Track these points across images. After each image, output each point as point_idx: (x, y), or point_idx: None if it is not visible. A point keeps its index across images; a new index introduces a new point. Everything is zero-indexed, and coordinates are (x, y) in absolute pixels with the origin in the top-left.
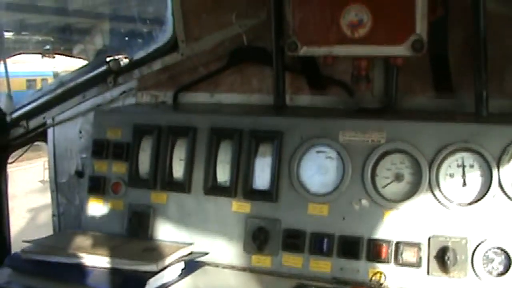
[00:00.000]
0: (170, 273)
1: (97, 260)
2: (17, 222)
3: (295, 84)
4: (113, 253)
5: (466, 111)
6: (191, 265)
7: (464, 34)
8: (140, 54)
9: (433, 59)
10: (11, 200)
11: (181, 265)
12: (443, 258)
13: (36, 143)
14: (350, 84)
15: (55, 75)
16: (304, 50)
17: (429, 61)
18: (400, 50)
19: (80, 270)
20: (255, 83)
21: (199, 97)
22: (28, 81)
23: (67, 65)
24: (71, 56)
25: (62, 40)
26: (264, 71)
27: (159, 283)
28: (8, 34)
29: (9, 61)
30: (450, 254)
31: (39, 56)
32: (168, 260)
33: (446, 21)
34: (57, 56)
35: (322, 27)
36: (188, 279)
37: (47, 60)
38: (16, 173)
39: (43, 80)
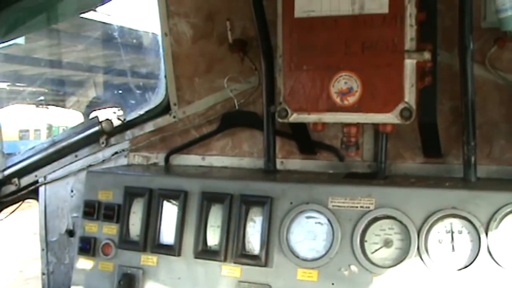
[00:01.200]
0: None
1: None
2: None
3: (285, 148)
4: None
5: (455, 177)
6: None
7: (452, 101)
8: (132, 115)
9: (422, 126)
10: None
11: None
12: None
13: (27, 200)
14: (340, 149)
15: (49, 127)
16: (294, 117)
17: (418, 128)
18: (389, 118)
19: None
20: (246, 147)
21: (191, 159)
22: (21, 131)
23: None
24: (65, 107)
25: (56, 92)
26: (255, 135)
27: None
28: (2, 85)
29: (2, 111)
30: None
31: (33, 106)
32: None
33: (435, 89)
34: (50, 108)
35: (312, 95)
36: None
37: (41, 111)
38: (8, 224)
39: (36, 131)
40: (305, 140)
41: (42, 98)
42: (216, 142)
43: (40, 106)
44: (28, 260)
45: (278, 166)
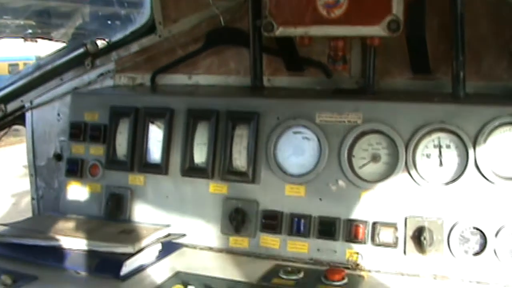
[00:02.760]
0: (147, 255)
1: (73, 243)
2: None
3: (272, 65)
4: (90, 236)
5: (444, 92)
6: (168, 247)
7: (441, 16)
8: (118, 36)
9: (410, 41)
10: None
11: (158, 247)
12: (419, 238)
13: (15, 127)
14: (327, 65)
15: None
16: (280, 31)
17: (406, 43)
18: (376, 30)
19: (57, 253)
20: (233, 65)
21: (177, 79)
22: (10, 65)
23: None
24: (53, 40)
25: (44, 24)
26: (242, 52)
27: (136, 265)
28: None
29: None
30: (426, 234)
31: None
32: (145, 242)
33: (423, 2)
34: (39, 40)
35: (298, 8)
36: (165, 261)
37: (29, 44)
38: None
39: (25, 64)
40: (292, 56)
41: (30, 31)
42: (202, 60)
43: (28, 39)
44: (21, 193)
45: (265, 83)
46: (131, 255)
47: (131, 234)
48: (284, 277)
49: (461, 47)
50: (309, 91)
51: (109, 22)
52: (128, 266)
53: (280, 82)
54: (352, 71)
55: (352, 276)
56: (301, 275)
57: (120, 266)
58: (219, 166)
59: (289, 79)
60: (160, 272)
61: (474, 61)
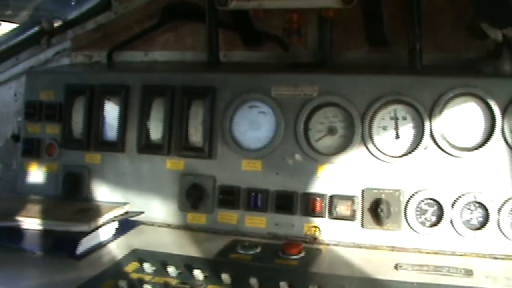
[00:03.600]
0: (104, 233)
1: (29, 223)
2: None
3: (229, 40)
4: (46, 215)
5: (401, 65)
6: (126, 224)
7: None
8: (73, 14)
9: (366, 13)
10: None
11: (115, 225)
12: (376, 210)
13: None
14: (283, 38)
15: None
16: (234, 4)
17: (362, 16)
18: (329, 2)
19: (12, 233)
20: (189, 41)
21: (134, 55)
22: None
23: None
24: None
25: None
26: (198, 28)
27: (92, 243)
28: None
29: None
30: (383, 206)
31: None
32: (101, 220)
33: None
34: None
35: None
36: (123, 239)
37: None
38: None
39: None
40: (248, 30)
41: None
42: (158, 37)
43: None
44: None
45: (222, 58)
46: (87, 233)
47: (87, 213)
48: (242, 252)
49: (417, 19)
50: (266, 65)
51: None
52: (84, 244)
53: (237, 56)
54: (308, 44)
55: (310, 250)
56: (258, 249)
57: (75, 245)
58: (175, 142)
59: (246, 53)
60: (116, 250)
61: (431, 33)
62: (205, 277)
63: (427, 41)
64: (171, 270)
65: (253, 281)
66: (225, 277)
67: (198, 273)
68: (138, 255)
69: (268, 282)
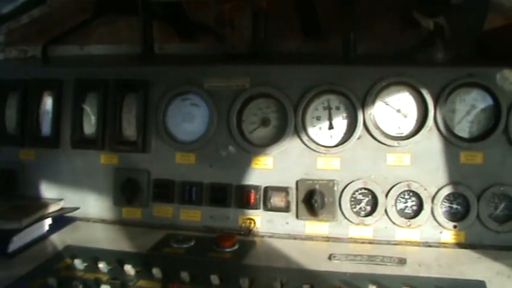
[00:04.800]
0: (37, 230)
1: None
2: None
3: (164, 32)
4: None
5: (336, 55)
6: (61, 221)
7: None
8: (7, 8)
9: (299, 3)
10: None
11: (49, 221)
12: (310, 201)
13: None
14: (217, 30)
15: None
16: None
17: (296, 7)
18: None
19: None
20: (125, 34)
21: (69, 50)
22: None
23: None
24: None
25: None
26: (134, 21)
27: (24, 241)
28: None
29: None
30: (317, 197)
31: None
32: (34, 217)
33: None
34: None
35: None
36: (57, 235)
37: None
38: None
39: None
40: (182, 22)
41: None
42: (94, 30)
43: None
44: None
45: (157, 51)
46: (19, 231)
47: (20, 210)
48: (175, 245)
49: (351, 9)
50: (200, 58)
51: None
52: (16, 242)
53: (172, 49)
54: (243, 36)
55: (244, 242)
56: (192, 243)
57: (7, 242)
58: (109, 137)
59: (181, 46)
60: (50, 246)
61: (367, 22)
62: (137, 272)
63: (363, 30)
64: (102, 266)
65: (184, 274)
66: (156, 271)
67: (129, 268)
68: (71, 252)
69: (199, 276)
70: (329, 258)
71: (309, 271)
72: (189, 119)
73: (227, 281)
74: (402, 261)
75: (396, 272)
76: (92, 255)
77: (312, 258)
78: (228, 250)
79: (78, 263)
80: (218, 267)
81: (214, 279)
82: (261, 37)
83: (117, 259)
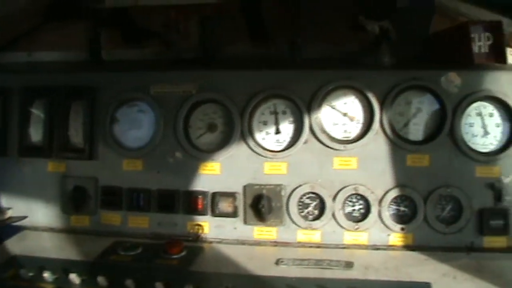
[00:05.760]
0: None
1: None
2: None
3: (112, 39)
4: None
5: (283, 58)
6: (8, 230)
7: None
8: None
9: (245, 9)
10: None
11: None
12: (258, 206)
13: None
14: (166, 36)
15: None
16: (109, 2)
17: (242, 12)
18: None
19: None
20: (73, 40)
21: (17, 56)
22: None
23: None
24: None
25: None
26: (82, 27)
27: None
28: None
29: None
30: (264, 202)
31: None
32: None
33: None
34: None
35: None
36: (4, 245)
37: None
38: None
39: None
40: (130, 29)
41: None
42: (42, 36)
43: None
44: None
45: (106, 57)
46: None
47: None
48: (122, 253)
49: (297, 13)
50: (147, 64)
51: None
52: None
53: (121, 55)
54: (191, 41)
55: (192, 248)
56: (140, 250)
57: None
58: (56, 144)
59: (130, 52)
60: None
61: (315, 26)
62: (82, 280)
63: (311, 34)
64: (47, 275)
65: (129, 282)
66: (101, 279)
67: (74, 277)
68: (17, 262)
69: (145, 283)
70: (277, 263)
71: (256, 276)
72: (136, 125)
73: None
74: (349, 265)
75: (343, 276)
76: (38, 265)
77: (260, 263)
78: (175, 256)
79: (24, 273)
80: (164, 274)
81: (159, 286)
82: (208, 43)
83: (63, 268)
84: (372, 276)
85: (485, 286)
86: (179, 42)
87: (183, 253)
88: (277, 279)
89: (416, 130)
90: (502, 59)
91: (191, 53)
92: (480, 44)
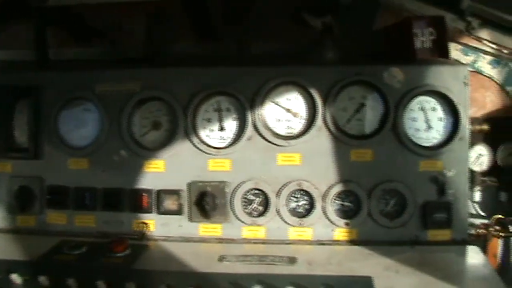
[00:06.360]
0: None
1: None
2: None
3: (59, 37)
4: None
5: (230, 56)
6: None
7: None
8: None
9: (189, 6)
10: None
11: None
12: (202, 203)
13: None
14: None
15: None
16: (53, 0)
17: (185, 9)
18: None
19: None
20: (21, 39)
21: None
22: None
23: None
24: None
25: None
26: (30, 26)
27: None
28: None
29: None
30: (208, 199)
31: None
32: None
33: None
34: None
35: None
36: None
37: None
38: None
39: None
40: (78, 28)
41: None
42: None
43: None
44: None
45: (53, 56)
46: None
47: None
48: (67, 252)
49: (246, 9)
50: (94, 62)
51: None
52: None
53: (68, 54)
54: (138, 39)
55: (137, 246)
56: (84, 249)
57: None
58: (1, 144)
59: (77, 51)
60: None
61: (262, 23)
62: (25, 280)
63: (258, 31)
64: None
65: (71, 281)
66: (43, 279)
67: (15, 277)
68: None
69: (87, 282)
70: (220, 259)
71: (197, 273)
72: (81, 124)
73: (114, 286)
74: (292, 260)
75: (286, 272)
76: None
77: (203, 260)
78: (119, 255)
79: None
80: (106, 273)
81: (101, 285)
82: (153, 41)
83: (5, 268)
84: (314, 271)
85: (427, 279)
86: (125, 41)
87: (127, 252)
88: (220, 276)
89: (360, 126)
90: (445, 54)
91: (136, 51)
92: (423, 39)
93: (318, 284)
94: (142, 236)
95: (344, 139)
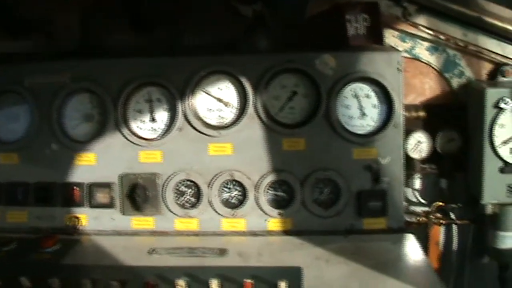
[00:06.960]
0: None
1: None
2: None
3: None
4: None
5: (163, 47)
6: None
7: None
8: None
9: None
10: None
11: None
12: (133, 196)
13: None
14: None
15: None
16: None
17: (121, 1)
18: None
19: None
20: None
21: None
22: None
23: None
24: None
25: None
26: None
27: None
28: None
29: None
30: (139, 191)
31: None
32: None
33: None
34: None
35: None
36: None
37: None
38: None
39: None
40: (11, 20)
41: None
42: None
43: None
44: None
45: None
46: None
47: None
48: None
49: (177, 3)
50: (26, 56)
51: None
52: None
53: (3, 48)
54: (72, 32)
55: (67, 241)
56: (14, 245)
57: None
58: None
59: (12, 44)
60: None
61: (195, 14)
62: None
63: (191, 22)
64: None
65: None
66: None
67: None
68: None
69: (11, 279)
70: (149, 252)
71: (124, 267)
72: (13, 118)
73: (39, 282)
74: (223, 252)
75: (214, 263)
76: None
77: (133, 254)
78: (48, 250)
79: None
80: (31, 269)
81: (24, 281)
82: (87, 33)
83: None
84: (244, 262)
85: (357, 268)
86: (60, 34)
87: (56, 247)
88: (146, 269)
89: (293, 114)
90: (380, 40)
91: (72, 44)
92: (357, 25)
93: (246, 275)
94: (74, 230)
95: (276, 128)
